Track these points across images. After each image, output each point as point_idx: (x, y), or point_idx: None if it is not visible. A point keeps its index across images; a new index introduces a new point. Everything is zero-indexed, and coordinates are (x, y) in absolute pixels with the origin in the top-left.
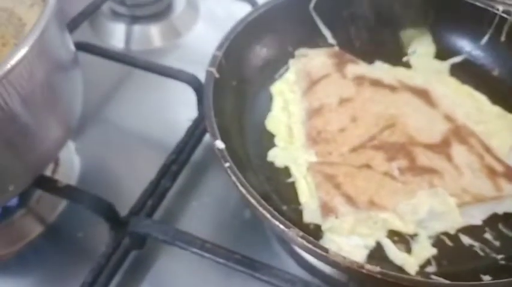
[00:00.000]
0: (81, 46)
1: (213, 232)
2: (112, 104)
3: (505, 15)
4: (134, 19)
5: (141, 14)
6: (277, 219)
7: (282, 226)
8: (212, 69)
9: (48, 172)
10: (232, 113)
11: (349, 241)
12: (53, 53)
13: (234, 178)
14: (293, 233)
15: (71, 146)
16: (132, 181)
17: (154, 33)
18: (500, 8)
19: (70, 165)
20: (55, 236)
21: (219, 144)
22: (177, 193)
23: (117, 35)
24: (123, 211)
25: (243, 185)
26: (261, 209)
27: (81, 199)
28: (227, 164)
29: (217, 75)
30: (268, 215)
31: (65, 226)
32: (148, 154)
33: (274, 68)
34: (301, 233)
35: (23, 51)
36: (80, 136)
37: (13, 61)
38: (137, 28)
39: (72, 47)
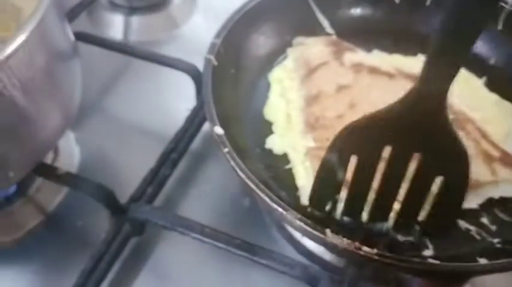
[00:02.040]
0: (79, 36)
1: (212, 219)
2: (111, 94)
3: (502, 4)
4: (132, 10)
5: (139, 5)
6: (275, 202)
7: (280, 209)
8: (210, 56)
9: (48, 161)
10: (231, 101)
11: None
12: (52, 41)
13: (233, 163)
14: (291, 215)
15: (70, 136)
16: (132, 169)
17: (152, 24)
18: None
19: (70, 154)
20: (55, 225)
21: (218, 130)
22: (177, 181)
23: (115, 26)
24: (123, 198)
25: (242, 170)
26: (260, 192)
27: (81, 186)
28: (226, 149)
29: (215, 63)
30: (267, 199)
31: (65, 215)
32: (148, 142)
33: (272, 56)
34: (299, 216)
35: (22, 37)
36: (80, 126)
37: (13, 46)
38: (135, 19)
39: (72, 36)
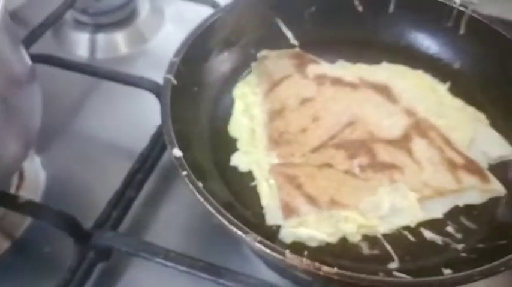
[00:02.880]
0: (41, 58)
1: (182, 240)
2: (77, 115)
3: (462, 8)
4: (98, 27)
5: (104, 21)
6: (234, 225)
7: (239, 232)
8: (169, 76)
9: (12, 186)
10: (193, 120)
11: (310, 232)
12: (5, 68)
13: (191, 187)
14: (251, 238)
15: (36, 159)
16: (98, 191)
17: (119, 40)
18: (458, 0)
19: (35, 179)
20: (22, 252)
21: (177, 152)
22: (143, 202)
23: (81, 44)
24: (89, 222)
25: (200, 193)
26: (218, 216)
27: (43, 215)
28: (184, 173)
29: (175, 82)
30: (225, 222)
31: (32, 241)
32: (115, 163)
33: (236, 71)
34: (258, 238)
35: None
36: (45, 149)
37: None
38: (101, 36)
39: (28, 61)
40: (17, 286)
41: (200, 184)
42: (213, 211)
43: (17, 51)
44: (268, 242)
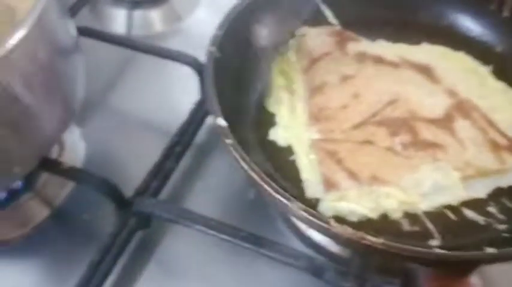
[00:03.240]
0: (82, 31)
1: (218, 212)
2: (115, 89)
3: None
4: (134, 4)
5: None
6: (279, 193)
7: (284, 200)
8: (213, 48)
9: (53, 156)
10: (234, 93)
11: (351, 206)
12: (54, 37)
13: (236, 155)
14: (294, 205)
15: (75, 131)
16: (137, 163)
17: (155, 18)
18: None
19: (75, 149)
20: (62, 219)
21: (221, 122)
22: (182, 174)
23: (118, 20)
24: (129, 192)
25: (245, 162)
26: (263, 184)
27: (86, 180)
28: (229, 141)
29: (218, 55)
30: (270, 190)
31: (72, 209)
32: (153, 137)
33: (275, 47)
34: (302, 206)
35: (22, 32)
36: (85, 121)
37: (13, 41)
38: (138, 13)
39: (74, 31)
40: (57, 253)
41: (244, 154)
42: (257, 179)
43: (64, 21)
44: (313, 211)
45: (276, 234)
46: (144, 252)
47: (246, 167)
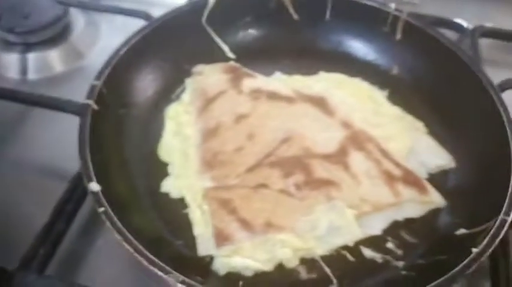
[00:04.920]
0: None
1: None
2: (6, 143)
3: (397, 13)
4: (28, 47)
5: (35, 40)
6: (155, 265)
7: (160, 273)
8: (89, 101)
9: None
10: (118, 146)
11: (245, 261)
12: None
13: (108, 224)
14: (172, 278)
15: None
16: (25, 225)
17: (53, 58)
18: (393, 5)
19: None
20: None
21: (94, 186)
22: (77, 234)
23: (11, 65)
24: (16, 257)
25: (117, 231)
26: (138, 256)
27: None
28: (101, 209)
29: (96, 107)
30: (145, 262)
31: None
32: (45, 192)
33: (169, 88)
34: (181, 278)
35: None
36: None
37: None
38: (33, 56)
39: None
40: None
41: (119, 223)
42: (131, 250)
43: None
44: (192, 282)
45: None
46: None
47: (118, 237)
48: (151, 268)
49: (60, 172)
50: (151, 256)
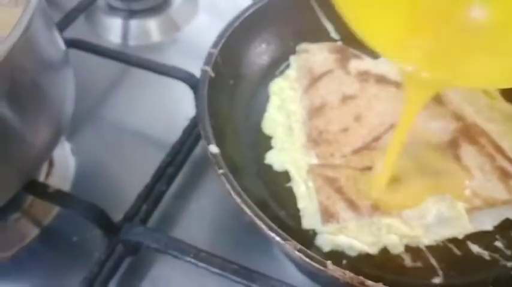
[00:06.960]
0: (73, 43)
1: (211, 236)
2: (108, 103)
3: None
4: (131, 13)
5: (138, 8)
6: (273, 230)
7: (278, 238)
8: (207, 68)
9: (42, 173)
10: (229, 114)
11: (350, 241)
12: (40, 52)
13: (228, 186)
14: (290, 246)
15: (66, 146)
16: (128, 183)
17: (152, 27)
18: None
19: (65, 166)
20: (50, 240)
21: (213, 149)
22: (174, 196)
23: (114, 30)
24: (118, 215)
25: (237, 194)
26: (255, 219)
27: (72, 205)
28: (221, 171)
29: (212, 74)
30: (263, 226)
31: (60, 229)
32: (146, 154)
33: (274, 64)
34: (298, 246)
35: (7, 47)
36: (76, 136)
37: None
38: (134, 23)
39: (62, 46)
40: (45, 274)
41: (238, 186)
42: (250, 213)
43: (51, 35)
44: (309, 252)
45: (271, 259)
46: (133, 279)
47: (238, 200)
48: (270, 233)
49: (158, 136)
50: (268, 221)
